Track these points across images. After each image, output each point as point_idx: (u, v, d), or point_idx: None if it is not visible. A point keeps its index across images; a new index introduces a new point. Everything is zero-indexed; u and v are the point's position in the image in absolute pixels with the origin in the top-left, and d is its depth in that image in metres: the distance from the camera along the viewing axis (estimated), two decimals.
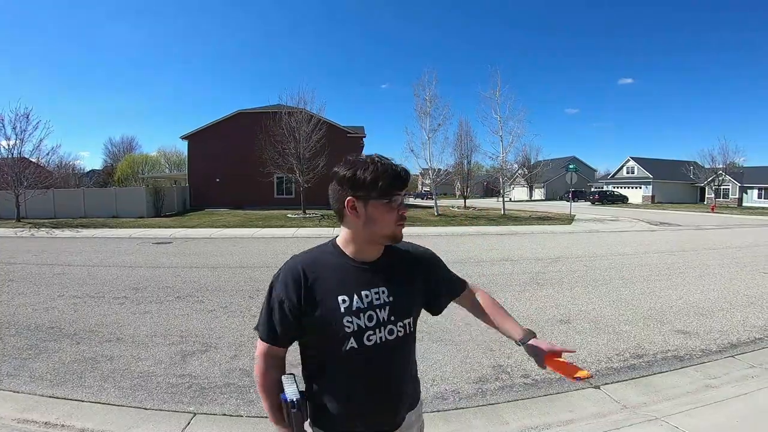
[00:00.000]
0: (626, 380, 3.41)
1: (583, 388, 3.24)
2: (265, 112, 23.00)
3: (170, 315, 5.22)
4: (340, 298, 1.06)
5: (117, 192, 22.84)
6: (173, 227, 16.14)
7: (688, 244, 12.64)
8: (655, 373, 3.54)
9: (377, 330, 1.09)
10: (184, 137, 28.64)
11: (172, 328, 4.75)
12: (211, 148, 27.15)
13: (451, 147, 29.67)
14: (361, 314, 1.07)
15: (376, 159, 1.09)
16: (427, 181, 27.72)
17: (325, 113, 23.14)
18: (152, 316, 5.17)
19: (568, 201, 28.56)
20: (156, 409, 2.96)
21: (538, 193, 56.58)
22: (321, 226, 16.47)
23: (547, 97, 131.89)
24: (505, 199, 25.67)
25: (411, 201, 45.73)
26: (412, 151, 22.64)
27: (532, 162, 49.24)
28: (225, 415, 2.90)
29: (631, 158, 51.74)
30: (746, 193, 43.65)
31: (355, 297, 1.08)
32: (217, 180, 27.32)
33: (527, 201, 49.81)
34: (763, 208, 38.91)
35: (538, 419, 2.78)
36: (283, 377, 1.11)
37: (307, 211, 20.47)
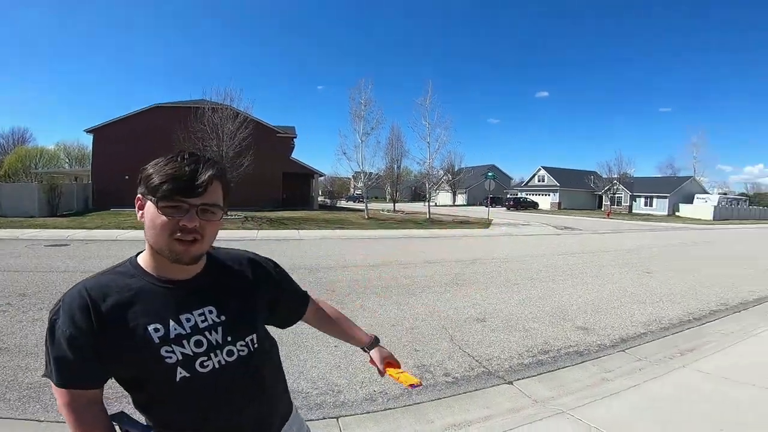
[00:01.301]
0: (535, 375, 3.68)
1: (498, 385, 3.47)
2: (185, 107, 21.44)
3: None
4: (151, 327, 0.90)
5: (2, 188, 19.76)
6: (71, 228, 14.36)
7: (587, 247, 14.14)
8: (559, 368, 3.87)
9: (212, 354, 0.95)
10: (88, 131, 25.73)
11: None
12: (121, 142, 24.68)
13: (383, 151, 30.24)
14: (184, 341, 0.92)
15: (177, 154, 0.92)
16: (359, 184, 27.86)
17: (253, 111, 22.27)
18: (43, 324, 4.52)
19: (486, 206, 30.50)
20: (52, 421, 2.67)
21: (461, 199, 59.65)
22: (244, 229, 15.73)
23: (473, 107, 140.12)
24: (431, 203, 26.70)
25: (343, 204, 45.61)
26: (344, 153, 22.70)
27: (456, 168, 51.84)
28: None
29: (542, 167, 56.77)
30: (635, 201, 50.08)
31: (172, 323, 0.92)
32: (126, 177, 24.82)
33: (451, 206, 52.25)
34: (648, 214, 44.96)
35: (460, 416, 2.91)
36: (114, 420, 0.94)
37: (229, 213, 19.42)
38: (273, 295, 1.15)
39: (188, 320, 0.94)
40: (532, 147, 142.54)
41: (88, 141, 26.85)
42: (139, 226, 11.83)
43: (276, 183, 27.67)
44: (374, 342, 1.30)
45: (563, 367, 3.89)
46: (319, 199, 38.77)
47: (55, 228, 14.22)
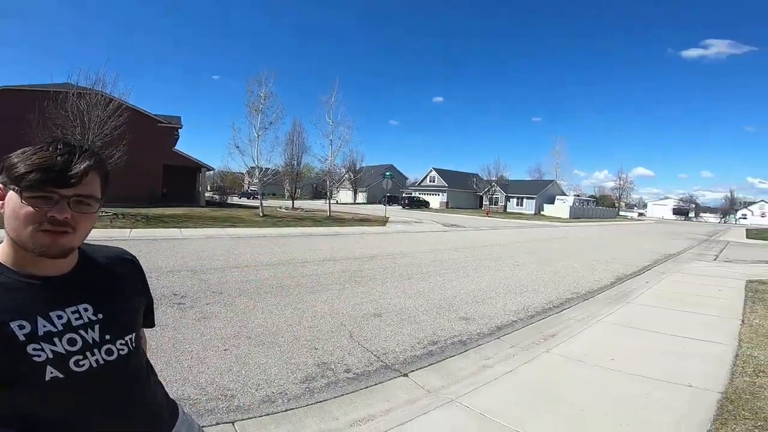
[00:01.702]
0: (427, 366, 3.95)
1: (395, 378, 3.66)
2: (43, 91, 18.03)
3: None
4: (14, 324, 0.83)
5: None
6: None
7: (469, 243, 15.59)
8: (447, 358, 4.19)
9: (88, 353, 0.90)
10: None
11: None
12: None
13: (282, 146, 29.20)
14: (56, 338, 0.86)
15: (53, 145, 0.86)
16: (254, 180, 26.51)
17: (131, 99, 19.67)
18: None
19: (384, 205, 31.62)
20: None
21: (362, 197, 60.78)
22: (113, 227, 13.83)
23: (374, 108, 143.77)
24: (332, 201, 26.71)
25: (236, 200, 42.88)
26: (237, 147, 21.36)
27: (358, 167, 52.69)
28: None
29: (434, 169, 60.88)
30: (510, 201, 56.66)
31: (40, 320, 0.85)
32: None
33: (352, 204, 52.95)
34: (519, 213, 51.19)
35: (363, 411, 2.99)
36: None
37: None
38: (145, 296, 1.14)
39: (60, 317, 0.89)
40: (427, 148, 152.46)
41: None
42: None
43: (155, 177, 24.96)
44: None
45: (450, 357, 4.25)
46: (207, 194, 35.91)
47: None
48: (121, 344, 0.96)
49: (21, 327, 0.83)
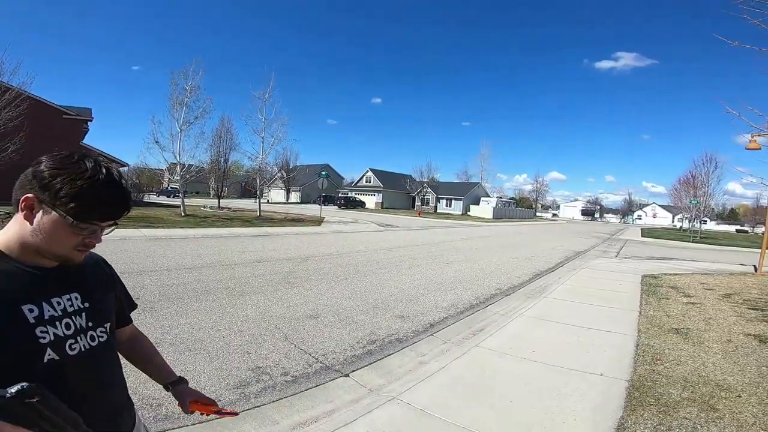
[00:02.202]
0: (367, 365, 3.99)
1: (336, 378, 3.64)
2: None
3: None
4: (25, 308, 0.91)
5: None
6: None
7: (402, 242, 15.97)
8: (386, 356, 4.27)
9: (78, 338, 0.99)
10: None
11: None
12: None
13: (207, 143, 27.48)
14: (57, 323, 0.96)
15: (101, 176, 0.93)
16: (176, 177, 24.66)
17: (33, 88, 17.30)
18: None
19: (319, 204, 31.19)
20: None
21: (295, 196, 59.36)
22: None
23: (311, 106, 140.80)
24: (263, 200, 25.72)
25: (153, 198, 39.58)
26: (157, 142, 19.64)
27: (291, 166, 51.31)
28: None
29: (370, 169, 61.36)
30: (440, 202, 58.92)
31: (45, 305, 0.95)
32: None
33: (284, 203, 51.42)
34: (449, 213, 53.44)
35: (305, 414, 2.95)
36: None
37: None
38: (115, 292, 1.22)
39: (58, 304, 0.98)
40: (364, 149, 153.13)
41: None
42: None
43: None
44: (181, 380, 1.30)
45: (389, 355, 4.34)
46: None
47: None
48: (101, 331, 1.06)
49: (31, 310, 0.92)
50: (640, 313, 6.42)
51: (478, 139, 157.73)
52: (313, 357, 4.13)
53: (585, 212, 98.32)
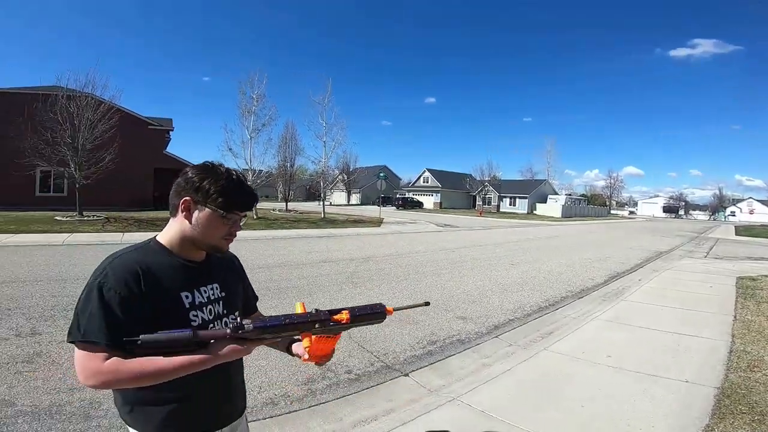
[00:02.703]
0: (427, 366, 3.97)
1: (396, 378, 3.66)
2: (31, 94, 17.84)
3: None
4: (182, 294, 1.11)
5: None
6: None
7: (463, 243, 15.65)
8: (447, 357, 4.22)
9: (216, 323, 1.17)
10: None
11: None
12: None
13: (275, 149, 28.98)
14: (204, 308, 1.15)
15: (233, 175, 1.14)
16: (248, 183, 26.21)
17: (122, 101, 19.48)
18: None
19: (378, 206, 31.60)
20: None
21: (355, 198, 60.68)
22: (105, 231, 13.68)
23: (367, 110, 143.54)
24: (326, 202, 26.60)
25: None
26: (230, 150, 21.12)
27: (351, 168, 52.59)
28: None
29: (427, 169, 60.96)
30: (503, 201, 56.91)
31: (196, 292, 1.14)
32: None
33: (346, 205, 52.79)
34: (512, 212, 51.48)
35: (366, 412, 3.00)
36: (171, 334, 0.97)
37: (85, 214, 16.69)
38: (243, 284, 1.39)
39: (204, 292, 1.17)
40: (420, 149, 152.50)
41: None
42: None
43: (146, 180, 24.66)
44: (293, 339, 1.41)
45: (450, 356, 4.28)
46: None
47: None
48: (232, 318, 1.23)
49: (186, 297, 1.11)
50: (735, 317, 5.72)
51: (542, 135, 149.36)
52: (374, 356, 4.18)
53: (667, 209, 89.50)
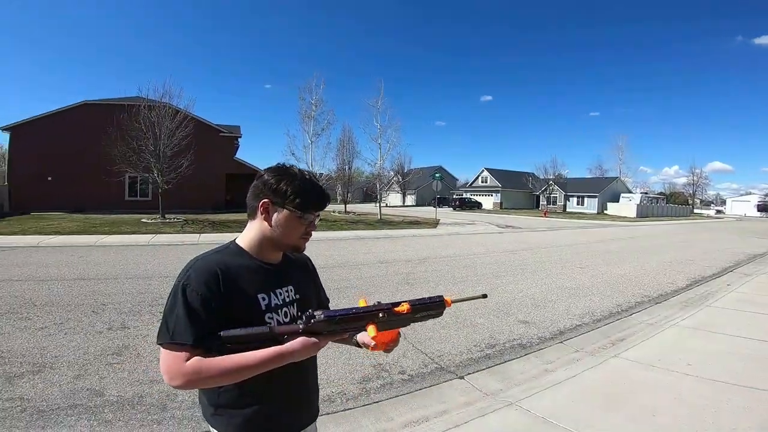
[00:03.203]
0: (484, 369, 3.85)
1: (450, 380, 3.59)
2: (118, 105, 19.94)
3: None
4: (259, 296, 1.13)
5: None
6: None
7: (526, 244, 14.99)
8: (505, 361, 4.07)
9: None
10: (5, 128, 23.07)
11: None
12: (45, 141, 22.56)
13: (334, 152, 29.90)
14: (279, 310, 1.16)
15: (307, 176, 1.18)
16: None
17: (194, 109, 21.13)
18: None
19: (434, 207, 31.30)
20: None
21: (410, 199, 60.65)
22: (184, 232, 14.92)
23: (420, 111, 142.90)
24: (382, 204, 26.90)
25: None
26: (293, 154, 22.20)
27: (406, 170, 52.69)
28: None
29: (485, 169, 59.27)
30: (569, 200, 53.73)
31: (272, 294, 1.16)
32: (49, 179, 22.69)
33: (401, 206, 52.96)
34: (580, 212, 48.45)
35: (418, 413, 2.98)
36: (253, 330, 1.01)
37: (166, 216, 18.32)
38: (317, 286, 1.41)
39: (279, 294, 1.18)
40: (477, 149, 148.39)
41: (2, 139, 24.32)
42: (65, 232, 10.73)
43: (219, 184, 26.53)
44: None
45: (509, 360, 4.11)
46: None
47: None
48: (306, 313, 1.21)
49: (263, 299, 1.14)
50: None
51: (611, 130, 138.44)
52: (428, 357, 4.12)
53: (763, 207, 78.91)
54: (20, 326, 4.58)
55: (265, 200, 1.14)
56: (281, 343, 1.03)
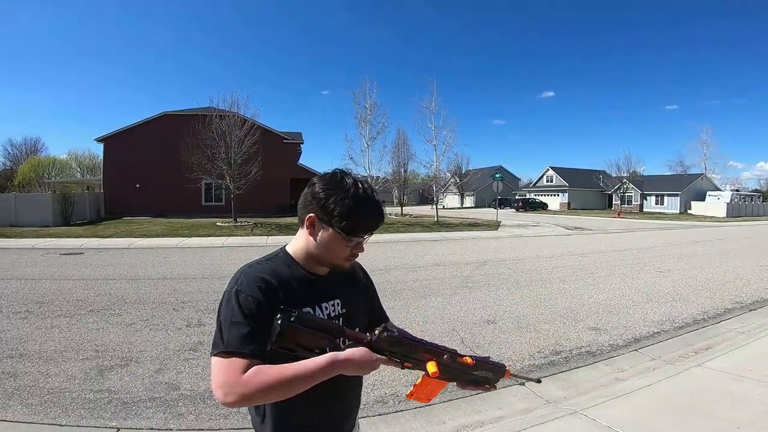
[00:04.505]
0: (548, 376, 3.66)
1: (510, 386, 3.45)
2: (193, 115, 21.77)
3: (82, 329, 4.79)
4: (305, 309, 1.06)
5: (17, 198, 20.15)
6: (84, 237, 14.60)
7: (598, 247, 14.01)
8: (572, 369, 3.84)
9: (337, 340, 1.08)
10: (99, 139, 26.32)
11: (85, 342, 4.36)
12: (132, 151, 25.24)
13: (389, 155, 30.16)
14: None
15: (360, 191, 1.06)
16: None
17: (259, 118, 22.45)
18: (61, 331, 4.71)
19: (495, 208, 30.34)
20: (74, 425, 2.78)
21: (469, 201, 59.36)
22: (253, 235, 15.88)
23: (476, 110, 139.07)
24: (439, 206, 26.65)
25: None
26: (351, 158, 22.76)
27: (463, 171, 51.71)
28: (152, 429, 2.79)
29: (550, 168, 56.34)
30: (646, 200, 49.42)
31: (317, 308, 1.10)
32: (137, 186, 25.31)
33: (459, 208, 52.04)
34: (660, 213, 44.36)
35: (471, 418, 2.91)
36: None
37: (238, 219, 19.61)
38: (370, 302, 1.31)
39: (325, 308, 1.12)
40: (540, 147, 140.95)
41: (98, 149, 27.60)
42: (151, 235, 11.87)
43: (284, 189, 27.88)
44: None
45: (575, 368, 3.86)
46: None
47: (68, 237, 14.48)
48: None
49: (308, 312, 1.06)
50: None
51: (693, 123, 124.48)
52: None
53: None
54: (113, 322, 5.12)
55: (311, 215, 1.06)
56: (340, 349, 0.98)
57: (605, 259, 11.09)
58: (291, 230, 17.35)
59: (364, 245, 1.11)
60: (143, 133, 25.84)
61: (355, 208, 1.04)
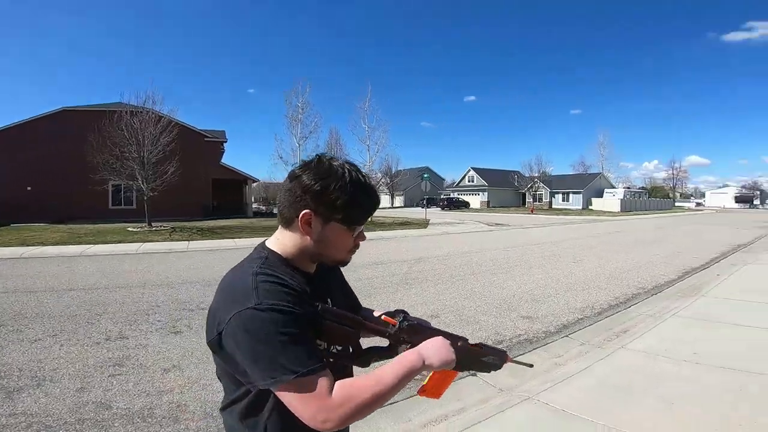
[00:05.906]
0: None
1: (462, 377, 3.55)
2: (100, 111, 19.57)
3: None
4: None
5: None
6: None
7: (518, 241, 15.13)
8: (515, 357, 4.07)
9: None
10: None
11: None
12: (23, 151, 22.04)
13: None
14: None
15: (354, 175, 0.96)
16: None
17: (178, 115, 20.78)
18: None
19: (423, 207, 31.42)
20: None
21: (399, 200, 60.77)
22: (172, 240, 14.60)
23: (405, 111, 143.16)
24: None
25: (275, 210, 44.24)
26: (281, 158, 22.07)
27: (393, 171, 52.79)
28: None
29: (472, 168, 59.82)
30: (554, 197, 54.57)
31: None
32: (29, 189, 22.08)
33: (390, 207, 52.99)
34: (566, 209, 49.24)
35: (435, 412, 2.94)
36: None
37: (153, 224, 17.95)
38: (346, 289, 1.30)
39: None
40: (462, 149, 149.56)
41: None
42: (48, 243, 10.37)
43: (205, 190, 26.17)
44: None
45: (518, 355, 4.10)
46: (254, 206, 37.21)
47: None
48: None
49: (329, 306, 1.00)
50: None
51: (593, 127, 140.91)
52: None
53: (740, 199, 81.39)
54: (13, 339, 4.41)
55: (306, 211, 0.94)
56: (395, 351, 0.95)
57: (526, 252, 12.00)
58: (216, 234, 16.27)
59: (364, 233, 1.05)
60: (36, 131, 22.65)
61: (355, 195, 0.95)
